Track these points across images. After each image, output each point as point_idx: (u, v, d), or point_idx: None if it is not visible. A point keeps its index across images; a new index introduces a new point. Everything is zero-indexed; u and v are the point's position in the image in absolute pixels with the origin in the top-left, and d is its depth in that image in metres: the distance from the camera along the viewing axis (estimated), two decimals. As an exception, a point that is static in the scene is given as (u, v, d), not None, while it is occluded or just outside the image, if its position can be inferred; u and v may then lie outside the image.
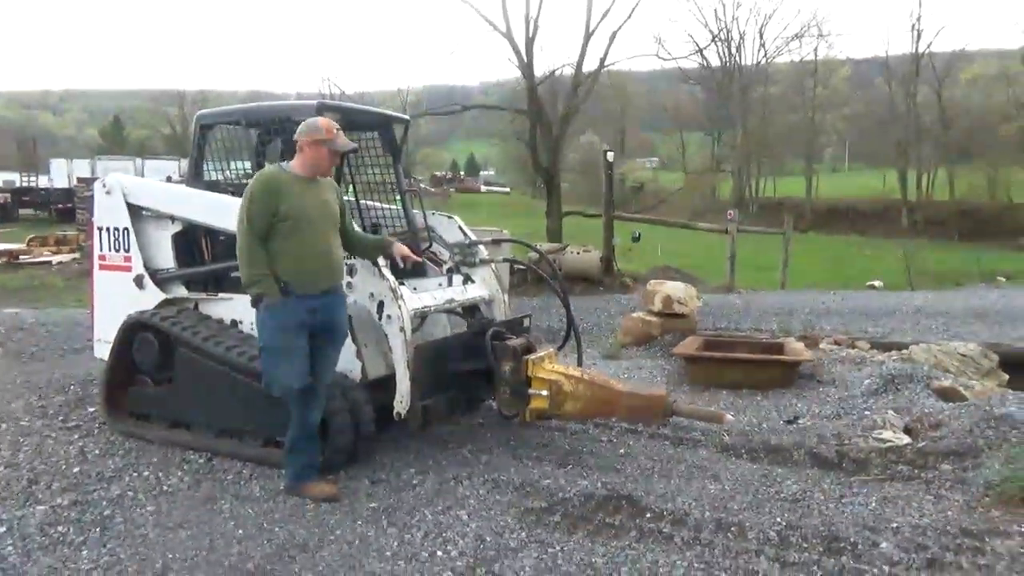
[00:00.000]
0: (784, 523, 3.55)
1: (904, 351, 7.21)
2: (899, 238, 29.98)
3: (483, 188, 65.17)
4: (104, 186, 5.42)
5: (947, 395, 5.57)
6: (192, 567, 3.27)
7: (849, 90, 59.15)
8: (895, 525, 3.49)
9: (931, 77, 47.05)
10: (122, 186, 5.36)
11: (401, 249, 4.41)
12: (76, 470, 4.36)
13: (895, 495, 3.92)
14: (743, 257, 14.81)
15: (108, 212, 5.36)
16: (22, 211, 32.56)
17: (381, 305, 4.38)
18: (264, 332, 3.92)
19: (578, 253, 13.10)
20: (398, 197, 5.67)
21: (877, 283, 16.29)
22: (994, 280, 17.43)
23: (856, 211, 45.47)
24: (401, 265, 4.42)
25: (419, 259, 4.52)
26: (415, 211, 5.59)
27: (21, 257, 18.96)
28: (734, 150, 52.15)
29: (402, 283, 4.52)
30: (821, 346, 7.71)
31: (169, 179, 21.38)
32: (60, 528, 3.64)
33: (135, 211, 5.28)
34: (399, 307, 4.32)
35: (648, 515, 3.68)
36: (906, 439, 4.69)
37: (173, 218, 5.21)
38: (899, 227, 39.17)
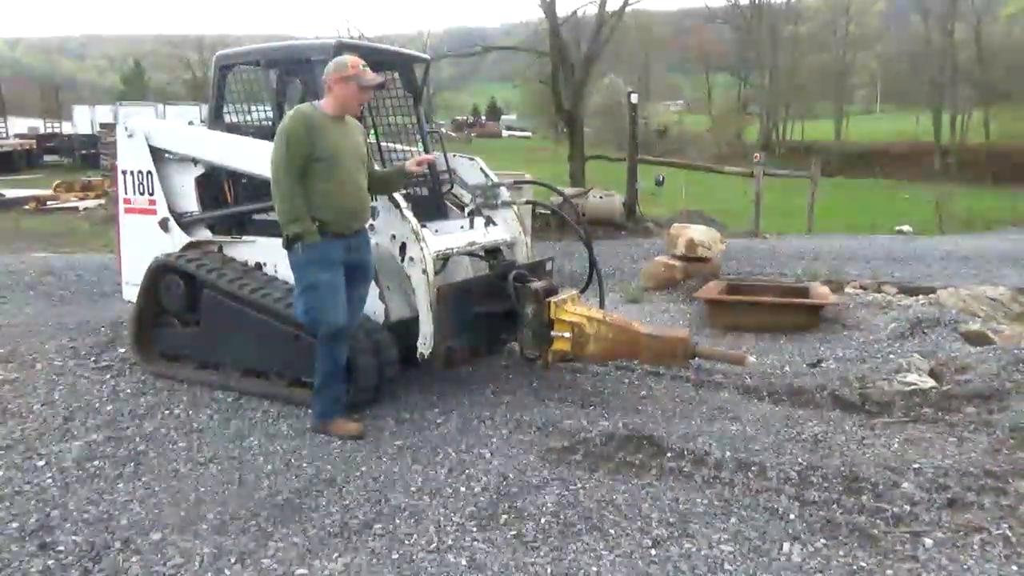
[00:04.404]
0: (805, 463, 3.56)
1: (931, 295, 7.10)
2: (931, 182, 29.25)
3: (504, 132, 64.37)
4: (126, 129, 5.43)
5: (974, 339, 5.49)
6: (224, 500, 3.38)
7: (882, 27, 57.11)
8: (917, 466, 3.49)
9: (969, 12, 45.16)
10: (144, 129, 5.36)
11: (411, 166, 4.33)
12: (109, 408, 4.49)
13: (918, 437, 3.91)
14: (769, 201, 14.58)
15: (131, 155, 5.38)
16: (46, 157, 32.90)
17: (404, 247, 4.38)
18: (305, 272, 3.92)
19: (601, 197, 12.98)
20: (419, 139, 5.62)
21: (906, 228, 15.97)
22: (1027, 224, 17.00)
23: (887, 155, 44.30)
24: (424, 171, 4.37)
25: (431, 158, 4.59)
26: (436, 153, 5.54)
27: (48, 203, 19.23)
28: (761, 92, 50.88)
29: (424, 225, 4.51)
30: (847, 290, 7.62)
31: (191, 124, 21.35)
32: (96, 463, 3.77)
33: (158, 154, 5.29)
34: (421, 249, 4.33)
35: (669, 454, 3.71)
36: (931, 382, 4.65)
37: (196, 161, 5.21)
38: (931, 171, 38.18)
